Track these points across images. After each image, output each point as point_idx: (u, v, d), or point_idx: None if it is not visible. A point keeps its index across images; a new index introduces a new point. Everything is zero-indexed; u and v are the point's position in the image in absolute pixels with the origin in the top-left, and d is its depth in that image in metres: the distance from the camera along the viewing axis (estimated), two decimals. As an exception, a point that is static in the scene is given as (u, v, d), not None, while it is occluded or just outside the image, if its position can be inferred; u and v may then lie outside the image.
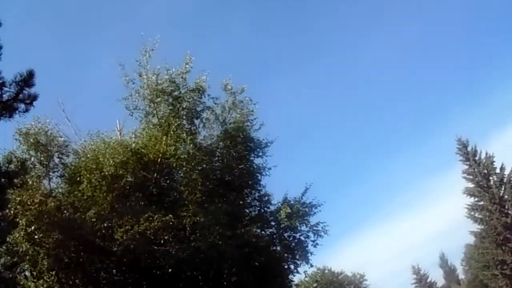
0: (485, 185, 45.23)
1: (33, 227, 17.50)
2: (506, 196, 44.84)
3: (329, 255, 74.92)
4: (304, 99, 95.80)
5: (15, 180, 13.53)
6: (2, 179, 12.53)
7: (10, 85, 11.38)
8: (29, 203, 17.64)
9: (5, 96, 11.48)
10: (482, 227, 45.78)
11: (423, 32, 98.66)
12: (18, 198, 17.41)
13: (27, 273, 18.62)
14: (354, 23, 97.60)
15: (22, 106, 11.74)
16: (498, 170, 45.56)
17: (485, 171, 45.63)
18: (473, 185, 45.90)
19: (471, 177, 45.97)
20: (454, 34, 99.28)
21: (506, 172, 45.16)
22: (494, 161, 45.68)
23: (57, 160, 20.55)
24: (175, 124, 19.65)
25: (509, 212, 44.61)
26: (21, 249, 17.62)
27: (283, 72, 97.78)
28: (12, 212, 16.92)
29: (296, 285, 28.43)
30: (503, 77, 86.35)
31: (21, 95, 11.55)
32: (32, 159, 19.62)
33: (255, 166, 21.78)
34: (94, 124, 22.11)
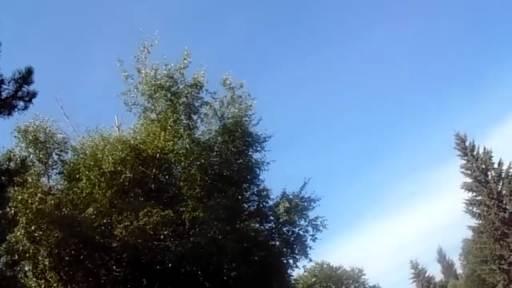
0: (483, 180, 45.36)
1: (33, 226, 17.51)
2: (504, 191, 44.96)
3: (327, 250, 75.31)
4: (302, 93, 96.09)
5: (15, 178, 13.49)
6: (2, 178, 12.51)
7: (9, 82, 11.33)
8: (30, 202, 17.64)
9: (4, 94, 11.43)
10: (480, 222, 45.93)
11: (422, 27, 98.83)
12: (20, 197, 17.40)
13: (29, 272, 18.59)
14: (355, 18, 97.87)
15: (21, 103, 11.69)
16: (496, 165, 45.69)
17: (483, 166, 45.76)
18: (471, 180, 46.03)
19: (469, 172, 46.12)
20: (452, 29, 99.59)
21: (504, 167, 45.30)
22: (492, 156, 45.80)
23: (56, 157, 20.51)
24: (173, 120, 19.62)
25: (507, 207, 44.73)
26: (21, 248, 17.65)
27: (282, 67, 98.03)
28: (12, 210, 16.90)
29: (295, 279, 28.62)
30: (501, 72, 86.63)
31: (20, 93, 11.50)
32: (31, 156, 19.57)
33: (253, 161, 21.87)
34: (92, 120, 22.12)
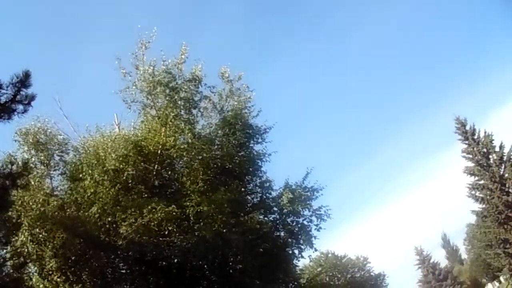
0: (485, 164, 45.36)
1: (37, 229, 17.57)
2: (506, 175, 44.97)
3: (332, 239, 75.71)
4: (302, 82, 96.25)
5: (18, 181, 13.50)
6: (5, 181, 12.52)
7: (7, 87, 11.30)
8: (31, 204, 17.67)
9: (3, 98, 11.40)
10: (484, 206, 45.97)
11: (422, 12, 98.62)
12: (22, 199, 17.42)
13: (35, 274, 18.63)
14: (353, 2, 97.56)
15: (20, 107, 11.66)
16: (497, 149, 45.64)
17: (485, 149, 45.73)
18: (473, 164, 46.02)
19: (470, 156, 46.10)
20: (451, 13, 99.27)
21: (506, 150, 45.25)
22: (493, 140, 45.76)
23: (57, 158, 20.56)
24: (173, 115, 19.55)
25: (510, 190, 44.79)
26: (26, 250, 17.69)
27: (281, 57, 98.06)
28: (15, 213, 16.92)
29: (301, 270, 28.72)
30: (501, 56, 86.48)
31: (18, 96, 11.50)
32: (33, 158, 19.57)
33: (255, 153, 21.86)
34: (92, 119, 22.17)
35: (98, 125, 20.92)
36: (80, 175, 18.94)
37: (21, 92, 11.38)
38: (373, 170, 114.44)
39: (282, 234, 21.46)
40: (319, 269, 55.24)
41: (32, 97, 11.55)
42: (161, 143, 19.44)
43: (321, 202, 21.64)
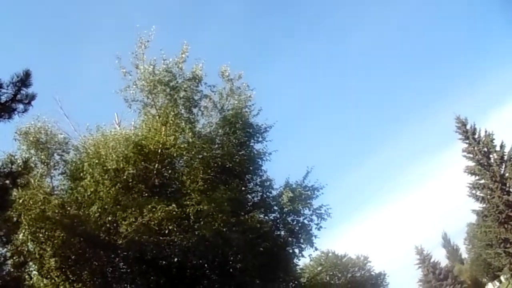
0: (486, 163, 45.34)
1: (37, 228, 17.58)
2: (507, 174, 44.94)
3: (332, 238, 75.77)
4: (303, 81, 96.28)
5: (18, 180, 13.50)
6: (6, 180, 12.53)
7: (8, 86, 11.32)
8: (31, 203, 17.67)
9: (3, 98, 11.41)
10: (484, 205, 45.95)
11: (422, 12, 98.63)
12: (20, 200, 17.41)
13: (35, 272, 18.65)
14: (354, 3, 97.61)
15: (20, 106, 11.68)
16: (498, 148, 45.63)
17: (485, 149, 45.71)
18: (473, 164, 46.00)
19: (471, 155, 46.09)
20: (452, 15, 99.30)
21: (507, 150, 45.24)
22: (493, 139, 45.74)
23: (58, 158, 20.57)
24: (174, 114, 19.55)
25: (511, 190, 44.76)
26: (26, 249, 17.72)
27: (281, 57, 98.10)
28: (15, 212, 16.92)
29: (301, 269, 28.69)
30: (501, 56, 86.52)
31: (19, 96, 11.51)
32: (33, 158, 19.57)
33: (255, 152, 21.86)
34: (92, 119, 22.19)
35: (98, 125, 20.93)
36: (81, 174, 18.95)
37: (21, 92, 11.39)
38: (373, 170, 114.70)
39: (282, 233, 21.47)
40: (320, 268, 55.26)
41: (33, 97, 11.56)
42: (161, 142, 19.43)
43: (321, 201, 21.69)
